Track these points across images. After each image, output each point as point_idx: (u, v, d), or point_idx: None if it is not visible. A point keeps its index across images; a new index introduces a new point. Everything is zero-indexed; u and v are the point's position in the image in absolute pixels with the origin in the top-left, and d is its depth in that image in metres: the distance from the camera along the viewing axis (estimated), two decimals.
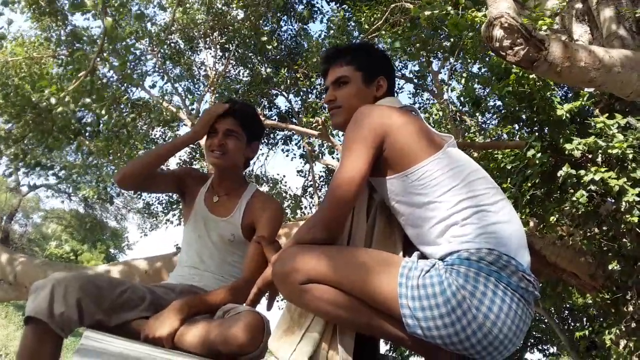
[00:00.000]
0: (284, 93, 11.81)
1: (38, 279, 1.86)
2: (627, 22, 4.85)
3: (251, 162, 2.63)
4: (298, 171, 12.84)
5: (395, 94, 2.04)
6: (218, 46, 11.95)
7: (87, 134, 8.17)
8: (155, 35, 10.60)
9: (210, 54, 12.36)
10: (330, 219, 1.63)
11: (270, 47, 10.32)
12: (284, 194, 12.66)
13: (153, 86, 11.57)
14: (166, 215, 13.26)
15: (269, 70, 11.05)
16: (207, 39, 11.56)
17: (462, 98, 9.05)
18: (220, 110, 2.37)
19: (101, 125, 7.94)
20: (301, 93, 11.59)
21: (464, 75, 9.32)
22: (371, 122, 1.68)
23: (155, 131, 12.30)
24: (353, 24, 9.53)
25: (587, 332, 7.08)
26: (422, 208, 1.63)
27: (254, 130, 2.48)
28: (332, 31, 9.68)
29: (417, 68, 11.59)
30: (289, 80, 10.92)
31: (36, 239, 28.68)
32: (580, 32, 5.40)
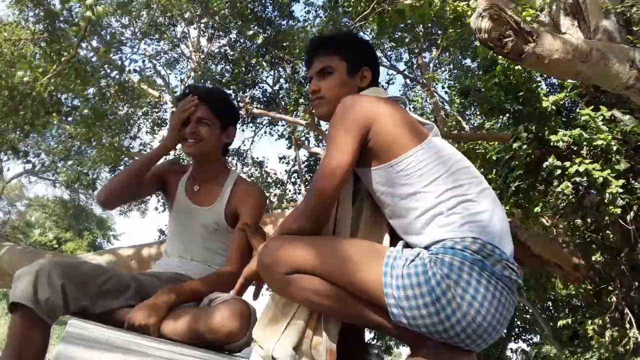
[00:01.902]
0: (268, 78, 11.75)
1: (22, 266, 1.85)
2: (615, 15, 4.88)
3: (233, 145, 2.57)
4: (280, 158, 12.81)
5: (380, 85, 2.02)
6: (201, 24, 11.83)
7: (67, 117, 8.06)
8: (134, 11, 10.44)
9: (193, 27, 12.25)
10: (315, 209, 1.63)
11: (257, 40, 10.22)
12: (269, 179, 12.63)
13: (135, 70, 11.45)
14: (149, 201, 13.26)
15: (252, 52, 10.94)
16: (186, 13, 11.42)
17: (448, 89, 9.07)
18: (188, 106, 2.31)
19: (80, 108, 7.84)
20: (285, 79, 11.53)
21: (449, 67, 9.34)
22: (356, 112, 1.68)
23: (138, 115, 12.21)
24: (340, 9, 9.50)
25: (569, 322, 7.17)
26: (407, 198, 1.64)
27: (227, 115, 2.42)
28: (317, 19, 9.65)
29: (406, 59, 11.60)
30: (267, 62, 10.83)
31: (20, 226, 28.43)
32: (568, 25, 5.42)
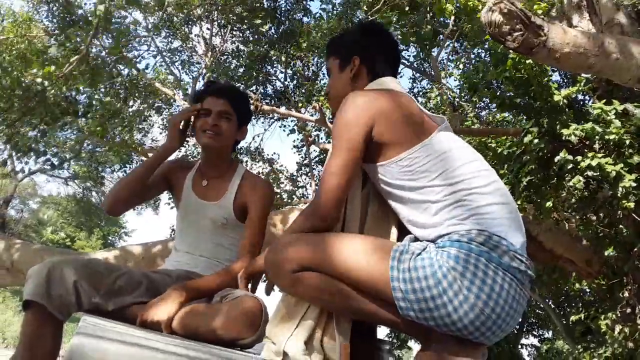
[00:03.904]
0: (279, 73, 11.75)
1: (35, 264, 1.86)
2: (626, 8, 4.84)
3: (243, 143, 2.60)
4: (294, 146, 12.68)
5: (381, 72, 1.95)
6: (214, 22, 11.87)
7: (79, 114, 8.09)
8: (147, 8, 10.48)
9: (207, 27, 12.28)
10: (325, 209, 1.63)
11: (264, 28, 10.23)
12: (280, 175, 12.61)
13: (146, 67, 11.47)
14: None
15: (264, 49, 10.93)
16: (202, 11, 11.45)
17: (460, 83, 9.03)
18: (187, 116, 2.35)
19: (95, 107, 7.89)
20: (296, 75, 11.52)
21: (462, 60, 9.28)
22: (358, 110, 1.68)
23: (151, 112, 12.26)
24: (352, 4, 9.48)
25: (582, 317, 7.13)
26: (413, 193, 1.64)
27: (245, 114, 2.47)
28: (329, 13, 9.62)
29: (416, 53, 11.55)
30: (284, 60, 10.82)
31: (32, 224, 28.67)
32: (579, 18, 5.39)
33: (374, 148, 1.68)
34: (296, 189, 12.46)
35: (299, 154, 12.60)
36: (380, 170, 1.70)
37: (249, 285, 1.83)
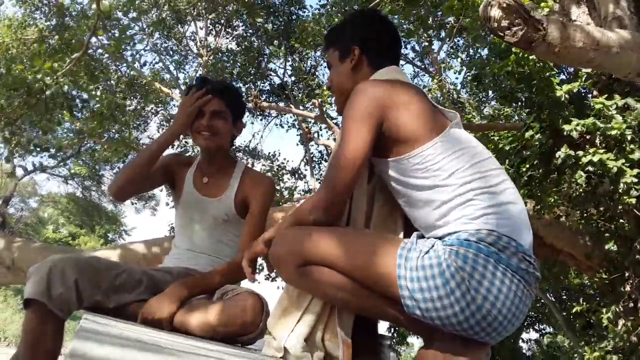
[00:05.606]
0: (278, 68, 11.72)
1: (36, 262, 1.86)
2: (625, 2, 4.82)
3: (243, 141, 2.57)
4: (299, 142, 12.58)
5: (383, 62, 1.90)
6: (208, 20, 11.85)
7: (78, 111, 8.09)
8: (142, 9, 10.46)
9: (200, 27, 12.29)
10: (331, 201, 1.60)
11: (259, 21, 10.19)
12: (281, 172, 12.59)
13: (144, 64, 11.43)
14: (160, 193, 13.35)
15: (262, 44, 10.91)
16: (194, 10, 11.42)
17: (462, 76, 9.00)
18: (201, 101, 2.30)
19: (92, 104, 7.90)
20: (295, 70, 11.49)
21: (463, 53, 9.24)
22: (370, 101, 1.64)
23: (148, 109, 12.23)
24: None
25: (583, 310, 7.14)
26: (423, 191, 1.61)
27: (239, 109, 2.45)
28: (328, 7, 9.61)
29: (417, 49, 11.53)
30: (282, 53, 10.78)
31: (33, 223, 28.67)
32: (578, 12, 5.37)
33: (385, 142, 1.65)
34: (297, 185, 12.46)
35: (303, 147, 12.58)
36: (391, 165, 1.66)
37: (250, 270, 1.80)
